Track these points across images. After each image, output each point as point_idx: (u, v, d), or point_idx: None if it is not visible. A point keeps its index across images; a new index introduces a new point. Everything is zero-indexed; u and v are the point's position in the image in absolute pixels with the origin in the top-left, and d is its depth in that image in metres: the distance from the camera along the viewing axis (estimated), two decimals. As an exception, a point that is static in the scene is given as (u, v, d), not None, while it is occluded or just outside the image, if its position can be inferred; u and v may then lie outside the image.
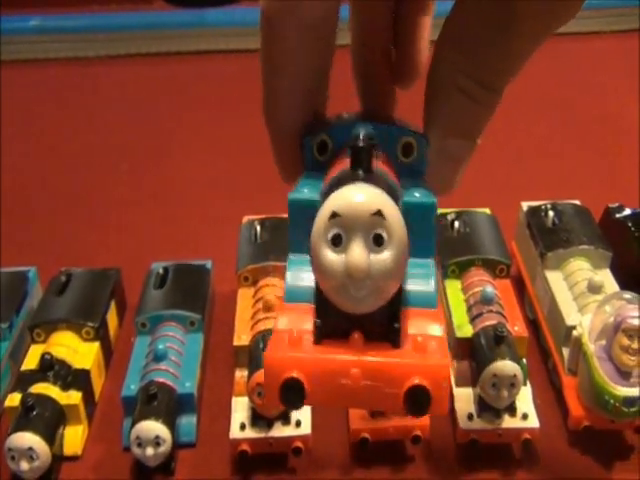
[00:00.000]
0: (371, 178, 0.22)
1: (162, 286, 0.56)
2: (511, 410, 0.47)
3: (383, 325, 0.21)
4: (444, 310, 0.53)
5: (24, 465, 0.44)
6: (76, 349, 0.52)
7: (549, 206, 0.59)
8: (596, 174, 0.77)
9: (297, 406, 0.22)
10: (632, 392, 0.44)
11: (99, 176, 0.80)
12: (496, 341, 0.46)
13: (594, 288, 0.50)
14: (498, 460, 0.47)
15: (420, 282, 0.23)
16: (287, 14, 0.24)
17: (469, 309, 0.51)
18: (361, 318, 0.21)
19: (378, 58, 0.30)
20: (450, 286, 0.53)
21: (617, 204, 0.60)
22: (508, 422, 0.46)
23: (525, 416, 0.46)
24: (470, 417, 0.47)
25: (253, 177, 0.77)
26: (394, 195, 0.22)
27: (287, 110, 0.27)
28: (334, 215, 0.20)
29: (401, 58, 0.31)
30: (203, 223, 0.71)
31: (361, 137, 0.23)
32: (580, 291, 0.51)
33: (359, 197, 0.21)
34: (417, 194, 0.24)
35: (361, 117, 0.29)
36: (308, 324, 0.22)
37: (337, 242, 0.21)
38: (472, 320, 0.50)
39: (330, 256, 0.21)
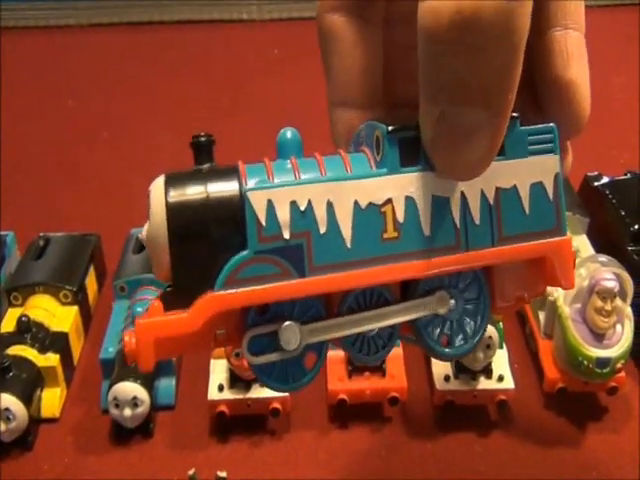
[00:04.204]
0: (196, 173, 0.24)
1: (141, 251, 0.55)
2: (487, 372, 0.47)
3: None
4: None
5: (1, 426, 0.44)
6: (54, 312, 0.52)
7: (528, 173, 0.59)
8: (576, 143, 0.77)
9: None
10: (605, 353, 0.45)
11: (79, 143, 0.79)
12: (473, 303, 0.46)
13: (571, 253, 0.51)
14: (474, 421, 0.48)
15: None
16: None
17: (447, 273, 0.51)
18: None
19: None
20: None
21: (596, 172, 0.61)
22: (484, 384, 0.47)
23: (501, 378, 0.47)
24: (447, 379, 0.47)
25: (232, 144, 0.77)
26: (222, 189, 0.23)
27: (340, 112, 0.27)
28: None
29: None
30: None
31: (202, 134, 0.25)
32: (557, 256, 0.52)
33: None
34: (252, 183, 0.24)
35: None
36: None
37: None
38: (450, 284, 0.50)
39: None
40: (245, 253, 0.22)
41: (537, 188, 0.25)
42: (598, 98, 0.87)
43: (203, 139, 0.24)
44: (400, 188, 0.24)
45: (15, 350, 0.47)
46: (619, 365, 0.45)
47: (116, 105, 0.87)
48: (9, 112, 0.85)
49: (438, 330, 0.25)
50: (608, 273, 0.45)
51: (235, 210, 0.23)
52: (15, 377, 0.46)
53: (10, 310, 0.52)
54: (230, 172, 0.24)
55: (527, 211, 0.25)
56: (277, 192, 0.23)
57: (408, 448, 0.46)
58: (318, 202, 0.23)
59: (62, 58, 1.02)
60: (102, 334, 0.51)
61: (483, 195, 0.24)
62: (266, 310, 0.23)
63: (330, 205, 0.23)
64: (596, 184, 0.60)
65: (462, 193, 0.24)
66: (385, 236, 0.23)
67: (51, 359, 0.49)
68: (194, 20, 1.12)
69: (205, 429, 0.48)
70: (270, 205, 0.23)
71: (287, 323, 0.23)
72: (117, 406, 0.45)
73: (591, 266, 0.46)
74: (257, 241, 0.23)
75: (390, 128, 0.23)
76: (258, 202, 0.23)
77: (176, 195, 0.23)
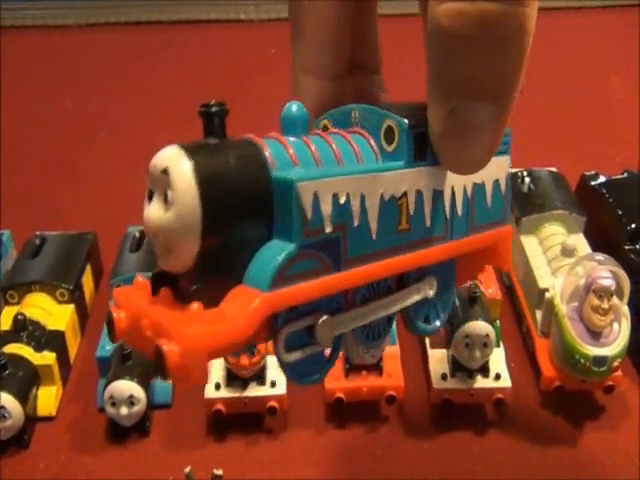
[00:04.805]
0: (211, 145, 0.21)
1: (138, 249, 0.55)
2: (484, 371, 0.47)
3: (188, 287, 0.21)
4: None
5: (-3, 424, 0.44)
6: (50, 311, 0.52)
7: (525, 172, 0.59)
8: (574, 142, 0.77)
9: (112, 338, 0.22)
10: (602, 351, 0.45)
11: (77, 142, 0.79)
12: (469, 302, 0.46)
13: (567, 251, 0.51)
14: (471, 420, 0.48)
15: (261, 261, 0.21)
16: None
17: (444, 272, 0.51)
18: (180, 276, 0.21)
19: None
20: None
21: (593, 172, 0.61)
22: (481, 382, 0.47)
23: (498, 376, 0.47)
24: (444, 377, 0.47)
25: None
26: (240, 165, 0.21)
27: (305, 81, 0.27)
28: (148, 172, 0.21)
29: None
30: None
31: (212, 103, 0.22)
32: (554, 255, 0.52)
33: (159, 154, 0.21)
34: (296, 171, 0.22)
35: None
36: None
37: (150, 198, 0.21)
38: (447, 282, 0.50)
39: (144, 210, 0.21)
40: (292, 248, 0.21)
41: (496, 184, 0.28)
42: (596, 98, 0.87)
43: (215, 108, 0.22)
44: (412, 182, 0.24)
45: (11, 348, 0.47)
46: (616, 363, 0.45)
47: (114, 104, 0.87)
48: (6, 111, 0.85)
49: (421, 311, 0.27)
50: (605, 271, 0.45)
51: (264, 197, 0.21)
52: (11, 375, 0.46)
53: (6, 308, 0.52)
54: (254, 152, 0.22)
55: (489, 204, 0.28)
56: (322, 184, 0.22)
57: (405, 447, 0.46)
58: (354, 195, 0.23)
59: (60, 58, 1.02)
60: (98, 332, 0.51)
61: (465, 189, 0.26)
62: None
63: (363, 198, 0.23)
64: (593, 183, 0.60)
65: (452, 187, 0.26)
66: (400, 228, 0.24)
67: (47, 357, 0.48)
68: (192, 20, 1.12)
69: (202, 427, 0.48)
70: (316, 197, 0.22)
71: (324, 317, 0.23)
72: (113, 404, 0.45)
73: (588, 264, 0.46)
74: (303, 235, 0.21)
75: (409, 122, 0.24)
76: (306, 194, 0.21)
77: (208, 169, 0.20)
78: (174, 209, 0.20)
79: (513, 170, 0.60)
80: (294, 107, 0.24)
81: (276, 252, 0.21)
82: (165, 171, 0.20)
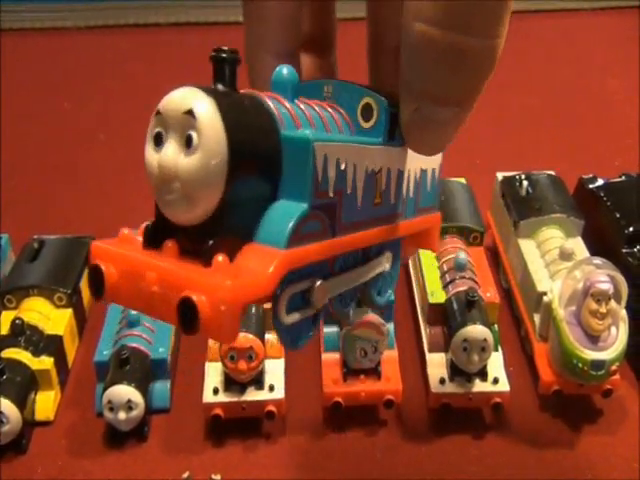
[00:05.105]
0: (226, 92, 0.20)
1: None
2: (482, 375, 0.47)
3: (200, 241, 0.20)
4: (419, 277, 0.53)
5: (-5, 429, 0.44)
6: (48, 315, 0.51)
7: (523, 176, 0.59)
8: (572, 145, 0.77)
9: (98, 294, 0.20)
10: (600, 356, 0.45)
11: (75, 145, 0.79)
12: (467, 305, 0.46)
13: (565, 255, 0.51)
14: (469, 424, 0.48)
15: (275, 220, 0.21)
16: None
17: (442, 276, 0.51)
18: (185, 229, 0.20)
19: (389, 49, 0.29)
20: (424, 253, 0.54)
21: (591, 175, 0.61)
22: (479, 386, 0.47)
23: (496, 380, 0.47)
24: (442, 381, 0.47)
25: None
26: (253, 118, 0.20)
27: (262, 60, 0.27)
28: (157, 113, 0.20)
29: None
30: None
31: (224, 48, 0.21)
32: (552, 258, 0.52)
33: (177, 96, 0.20)
34: (305, 130, 0.22)
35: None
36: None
37: (158, 141, 0.20)
38: (445, 286, 0.50)
39: (150, 154, 0.20)
40: (305, 208, 0.21)
41: (433, 172, 0.31)
42: (594, 100, 0.87)
43: (227, 54, 0.21)
44: (387, 159, 0.26)
45: (9, 353, 0.47)
46: (614, 367, 0.45)
47: (113, 107, 0.87)
48: (5, 113, 0.85)
49: (376, 284, 0.29)
50: (603, 275, 0.45)
51: (275, 153, 0.21)
52: (9, 380, 0.46)
53: (4, 313, 0.52)
54: (265, 106, 0.22)
55: (429, 190, 0.30)
56: (331, 147, 0.22)
57: (403, 451, 0.46)
58: (350, 163, 0.23)
59: (59, 60, 1.02)
60: (96, 337, 0.51)
61: (415, 173, 0.29)
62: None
63: (354, 167, 0.24)
64: (591, 186, 0.60)
65: (408, 170, 0.28)
66: (375, 201, 0.26)
67: (45, 362, 0.48)
68: (191, 22, 1.12)
69: (200, 432, 0.48)
70: (325, 160, 0.22)
71: (320, 281, 0.23)
72: (111, 409, 0.45)
73: (586, 268, 0.46)
74: (314, 196, 0.21)
75: (388, 101, 0.25)
76: (319, 155, 0.21)
77: (232, 114, 0.20)
78: (200, 153, 0.19)
79: (511, 173, 0.60)
80: (285, 70, 0.24)
81: (291, 211, 0.21)
82: (190, 112, 0.19)
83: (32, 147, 0.79)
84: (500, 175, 0.60)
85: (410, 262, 0.57)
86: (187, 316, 0.18)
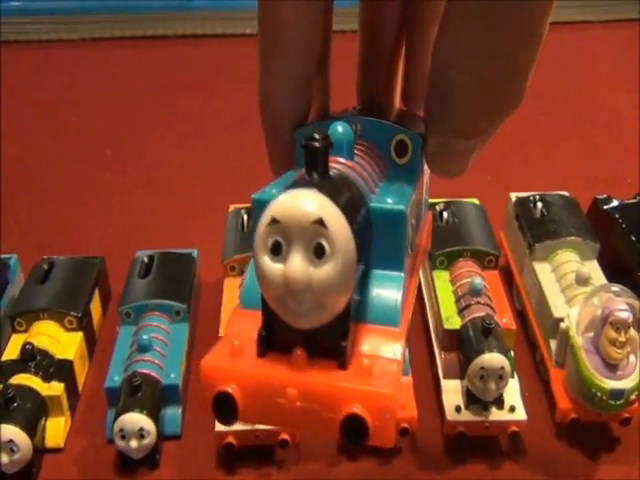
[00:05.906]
0: (326, 183, 0.20)
1: (147, 275, 0.55)
2: (499, 403, 0.46)
3: (330, 342, 0.19)
4: (433, 302, 0.53)
5: (4, 458, 0.43)
6: (58, 339, 0.51)
7: (537, 197, 0.58)
8: (585, 165, 0.77)
9: (229, 421, 0.20)
10: (619, 385, 0.44)
11: (83, 163, 0.79)
12: (484, 333, 0.46)
13: (582, 280, 0.50)
14: (485, 453, 0.47)
15: (383, 297, 0.21)
16: None
17: (457, 300, 0.50)
18: (308, 332, 0.20)
19: (383, 57, 0.29)
20: (439, 277, 0.53)
21: (605, 195, 0.60)
22: (496, 415, 0.46)
23: (512, 409, 0.46)
24: (458, 409, 0.47)
25: (240, 165, 0.76)
26: (356, 202, 0.21)
27: (281, 95, 0.26)
28: (274, 221, 0.19)
29: (409, 75, 0.30)
30: (189, 211, 0.70)
31: (317, 136, 0.19)
32: (568, 283, 0.51)
33: (299, 203, 0.18)
34: (390, 199, 0.22)
35: (359, 112, 0.28)
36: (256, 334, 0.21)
37: (277, 250, 0.19)
38: (460, 312, 0.49)
39: (269, 265, 0.19)
40: (402, 276, 0.22)
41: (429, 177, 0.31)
42: (608, 120, 0.86)
43: (320, 143, 0.20)
44: (421, 190, 0.27)
45: (19, 379, 0.47)
46: (633, 396, 0.44)
47: (120, 121, 0.87)
48: (10, 129, 0.84)
49: None
50: (622, 304, 0.44)
51: (369, 226, 0.22)
52: (19, 407, 0.45)
53: (14, 336, 0.51)
54: (356, 187, 0.22)
55: (429, 192, 0.31)
56: (409, 210, 0.23)
57: (419, 479, 0.46)
58: (413, 215, 0.25)
59: (64, 73, 1.01)
60: (107, 360, 0.50)
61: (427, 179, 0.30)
62: None
63: (414, 215, 0.26)
64: (605, 207, 0.59)
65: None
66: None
67: (55, 388, 0.48)
68: (197, 34, 1.12)
69: (212, 460, 0.47)
70: (409, 224, 0.23)
71: None
72: (123, 437, 0.44)
73: (604, 296, 0.45)
74: (406, 262, 0.23)
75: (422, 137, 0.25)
76: (408, 222, 0.23)
77: (351, 215, 0.20)
78: (335, 261, 0.18)
79: (525, 194, 0.59)
80: (339, 128, 0.23)
81: (392, 284, 0.21)
82: (319, 222, 0.18)
83: (38, 164, 0.78)
84: (514, 196, 0.60)
85: (424, 285, 0.57)
86: (353, 430, 0.18)
